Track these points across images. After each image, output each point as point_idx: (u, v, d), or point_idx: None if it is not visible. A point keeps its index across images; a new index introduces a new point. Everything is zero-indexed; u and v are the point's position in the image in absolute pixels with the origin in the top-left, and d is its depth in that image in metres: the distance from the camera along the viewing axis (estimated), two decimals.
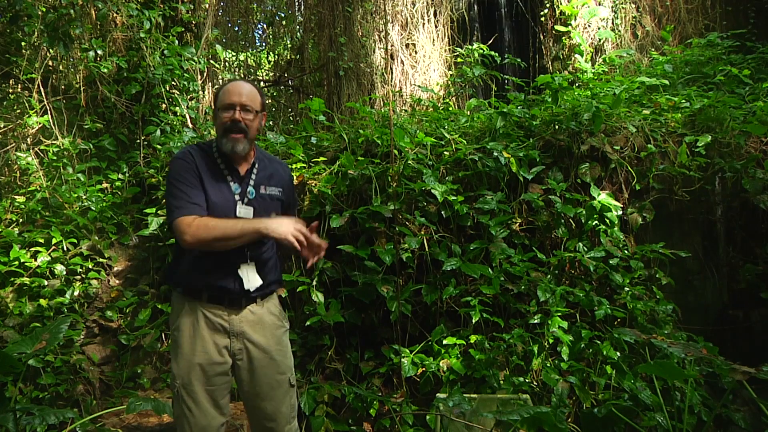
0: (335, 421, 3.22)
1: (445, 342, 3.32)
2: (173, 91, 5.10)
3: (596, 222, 3.67)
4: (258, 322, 2.24)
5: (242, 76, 9.01)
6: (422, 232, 3.60)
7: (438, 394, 3.06)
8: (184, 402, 2.15)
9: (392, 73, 7.07)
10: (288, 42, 9.24)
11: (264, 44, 9.86)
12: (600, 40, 6.67)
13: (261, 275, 2.23)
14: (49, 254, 3.93)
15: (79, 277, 3.98)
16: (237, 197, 2.20)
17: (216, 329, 2.19)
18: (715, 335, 3.57)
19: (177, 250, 2.28)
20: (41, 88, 4.72)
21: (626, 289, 3.48)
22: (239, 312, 2.21)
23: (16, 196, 4.37)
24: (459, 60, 6.17)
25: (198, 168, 2.18)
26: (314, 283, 3.57)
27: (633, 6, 6.83)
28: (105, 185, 4.60)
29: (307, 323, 3.41)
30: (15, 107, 4.90)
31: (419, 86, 6.62)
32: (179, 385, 2.16)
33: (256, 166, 2.30)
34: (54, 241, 3.94)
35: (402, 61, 7.11)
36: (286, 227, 2.02)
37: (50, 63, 5.04)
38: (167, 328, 3.90)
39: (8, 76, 4.91)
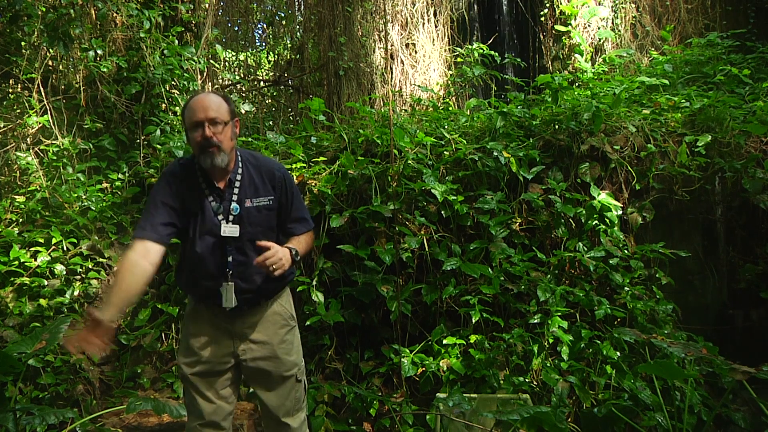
0: (335, 421, 3.23)
1: (445, 342, 3.32)
2: (173, 91, 5.09)
3: (596, 222, 3.67)
4: (261, 323, 2.26)
5: (242, 76, 9.00)
6: (422, 232, 3.60)
7: (438, 394, 3.06)
8: (190, 391, 2.23)
9: (392, 73, 7.07)
10: (288, 42, 9.23)
11: (264, 44, 9.85)
12: (600, 39, 6.67)
13: (255, 290, 2.21)
14: (49, 254, 3.93)
15: (79, 277, 3.98)
16: (220, 217, 2.15)
17: (219, 330, 2.23)
18: (715, 335, 3.57)
19: (179, 257, 2.34)
20: (41, 88, 4.72)
21: (626, 289, 3.48)
22: (242, 315, 2.24)
23: (16, 196, 4.37)
24: (459, 60, 6.17)
25: (179, 190, 2.16)
26: (314, 283, 3.57)
27: (633, 6, 6.83)
28: (105, 185, 4.60)
29: (307, 323, 3.41)
30: (15, 107, 4.89)
31: (419, 86, 6.62)
32: (183, 375, 2.24)
33: (238, 177, 2.20)
34: (54, 241, 3.93)
35: (402, 61, 7.11)
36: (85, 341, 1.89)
37: (50, 63, 5.04)
38: (167, 328, 3.91)
39: (8, 76, 4.91)
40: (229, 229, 2.14)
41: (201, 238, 2.15)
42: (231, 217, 2.16)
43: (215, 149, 2.08)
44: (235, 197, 2.18)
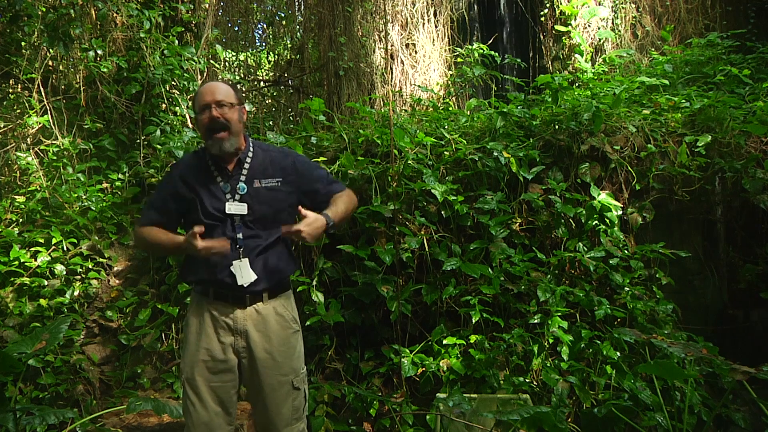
0: (335, 421, 3.23)
1: (445, 342, 3.32)
2: (173, 91, 5.09)
3: (596, 222, 3.67)
4: (262, 322, 2.24)
5: (242, 76, 9.01)
6: (422, 232, 3.60)
7: (438, 394, 3.06)
8: (188, 397, 2.21)
9: (392, 73, 7.07)
10: (288, 42, 9.24)
11: (264, 44, 9.85)
12: (600, 40, 6.67)
13: (263, 271, 2.22)
14: (49, 254, 3.93)
15: (79, 277, 3.98)
16: (228, 195, 2.22)
17: (221, 326, 2.22)
18: (715, 335, 3.58)
19: None
20: (41, 88, 4.72)
21: (626, 289, 3.48)
22: (244, 310, 2.23)
23: (16, 196, 4.37)
24: (459, 60, 6.17)
25: (183, 177, 2.27)
26: (314, 283, 3.57)
27: (633, 6, 6.82)
28: (105, 185, 4.60)
29: (307, 323, 3.41)
30: (15, 107, 4.90)
31: (419, 86, 6.61)
32: (184, 380, 2.23)
33: (248, 159, 2.29)
34: (54, 241, 3.93)
35: (402, 61, 7.11)
36: (197, 249, 2.05)
37: (50, 63, 5.04)
38: (167, 328, 3.90)
39: (8, 76, 4.91)
40: (235, 207, 2.20)
41: (208, 216, 2.20)
42: (237, 196, 2.22)
43: (225, 133, 2.19)
44: (243, 177, 2.26)
